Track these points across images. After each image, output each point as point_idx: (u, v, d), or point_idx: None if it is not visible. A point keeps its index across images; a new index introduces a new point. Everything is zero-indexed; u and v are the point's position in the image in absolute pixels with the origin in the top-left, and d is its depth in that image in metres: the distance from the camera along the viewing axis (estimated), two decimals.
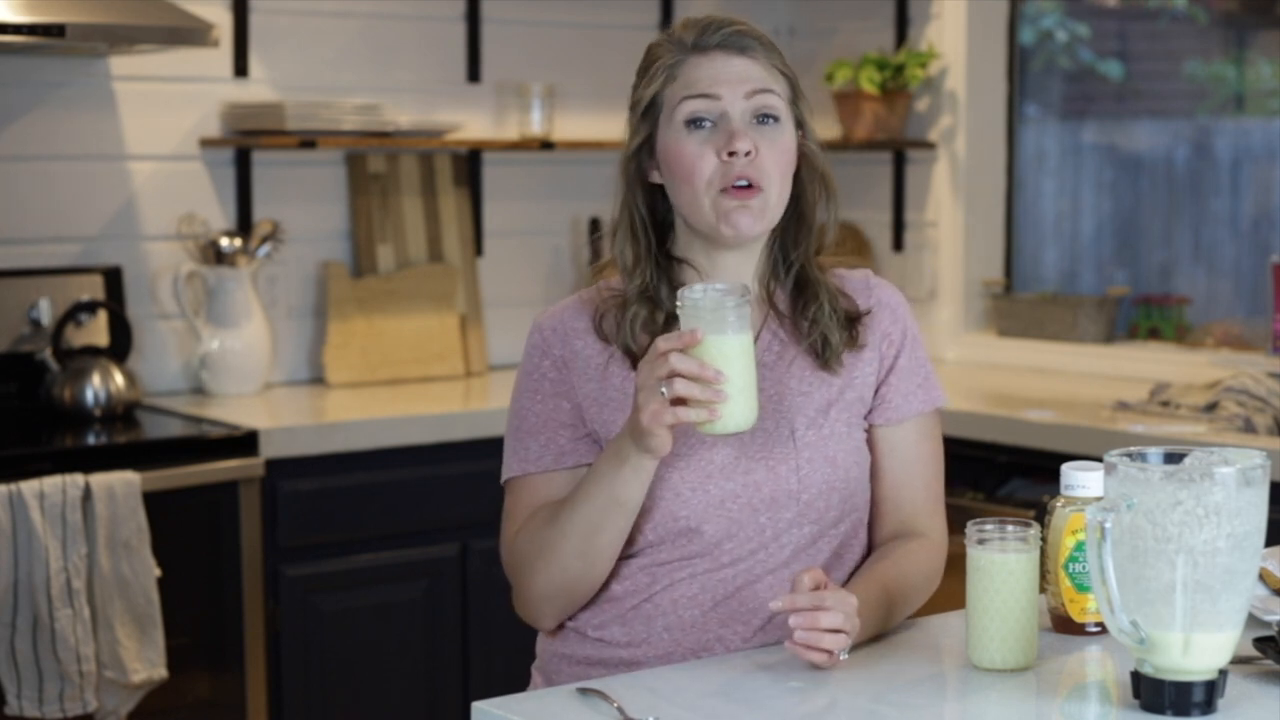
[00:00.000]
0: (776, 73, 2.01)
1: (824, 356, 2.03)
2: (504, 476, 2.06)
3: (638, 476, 1.89)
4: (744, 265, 2.05)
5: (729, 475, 1.98)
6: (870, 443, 2.07)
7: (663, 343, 1.82)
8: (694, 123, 1.98)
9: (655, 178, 2.04)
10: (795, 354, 2.04)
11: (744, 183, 1.96)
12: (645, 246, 2.04)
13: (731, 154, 1.95)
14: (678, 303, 1.85)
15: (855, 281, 2.10)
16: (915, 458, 2.08)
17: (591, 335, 2.03)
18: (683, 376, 1.80)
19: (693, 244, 2.04)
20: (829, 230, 2.08)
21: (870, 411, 2.07)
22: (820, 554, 2.02)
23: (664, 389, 1.80)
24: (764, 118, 1.98)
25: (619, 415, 1.99)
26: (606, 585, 2.01)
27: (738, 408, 1.83)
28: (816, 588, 1.83)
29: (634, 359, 2.01)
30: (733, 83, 1.98)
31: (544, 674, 2.09)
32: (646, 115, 2.03)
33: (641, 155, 2.04)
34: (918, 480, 2.08)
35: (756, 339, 2.01)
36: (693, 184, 1.97)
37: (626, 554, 1.99)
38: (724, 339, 1.82)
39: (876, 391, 2.07)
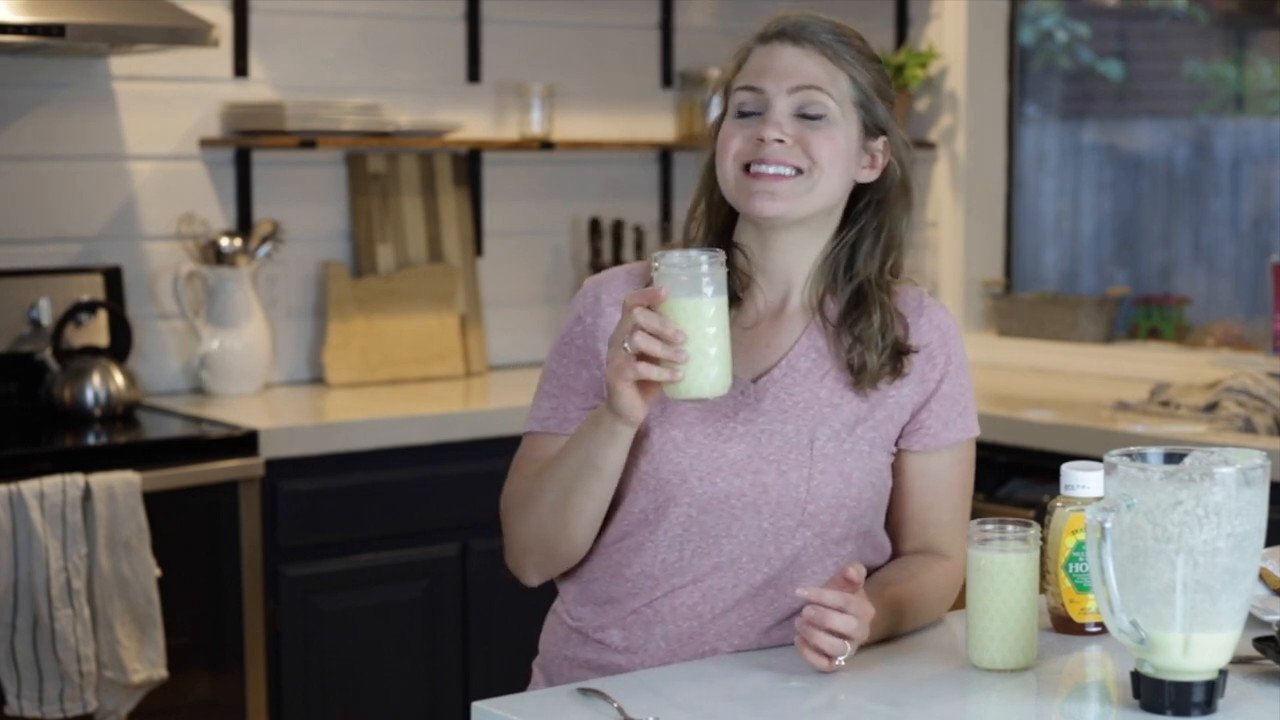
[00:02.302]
0: (839, 72, 1.99)
1: (857, 378, 1.99)
2: (523, 427, 2.08)
3: (612, 440, 1.89)
4: (798, 261, 2.03)
5: (739, 472, 1.97)
6: (899, 464, 2.04)
7: (629, 299, 1.82)
8: (742, 113, 1.99)
9: None
10: (831, 366, 2.01)
11: (769, 168, 1.95)
12: (708, 227, 2.05)
13: (760, 140, 1.95)
14: (653, 265, 1.84)
15: (908, 299, 2.05)
16: (947, 483, 2.05)
17: None
18: (644, 332, 1.79)
19: (746, 228, 2.04)
20: (901, 248, 2.04)
21: (903, 436, 2.03)
22: (827, 575, 1.98)
23: (626, 344, 1.81)
24: (810, 115, 1.97)
25: None
26: (608, 588, 2.01)
27: (703, 372, 1.81)
28: (848, 582, 1.82)
29: None
30: (778, 76, 1.98)
31: (545, 672, 2.08)
32: (724, 97, 2.04)
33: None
34: (946, 504, 2.05)
35: (794, 345, 2.01)
36: (723, 159, 1.99)
37: (622, 533, 1.99)
38: (691, 300, 1.80)
39: (915, 416, 2.02)
